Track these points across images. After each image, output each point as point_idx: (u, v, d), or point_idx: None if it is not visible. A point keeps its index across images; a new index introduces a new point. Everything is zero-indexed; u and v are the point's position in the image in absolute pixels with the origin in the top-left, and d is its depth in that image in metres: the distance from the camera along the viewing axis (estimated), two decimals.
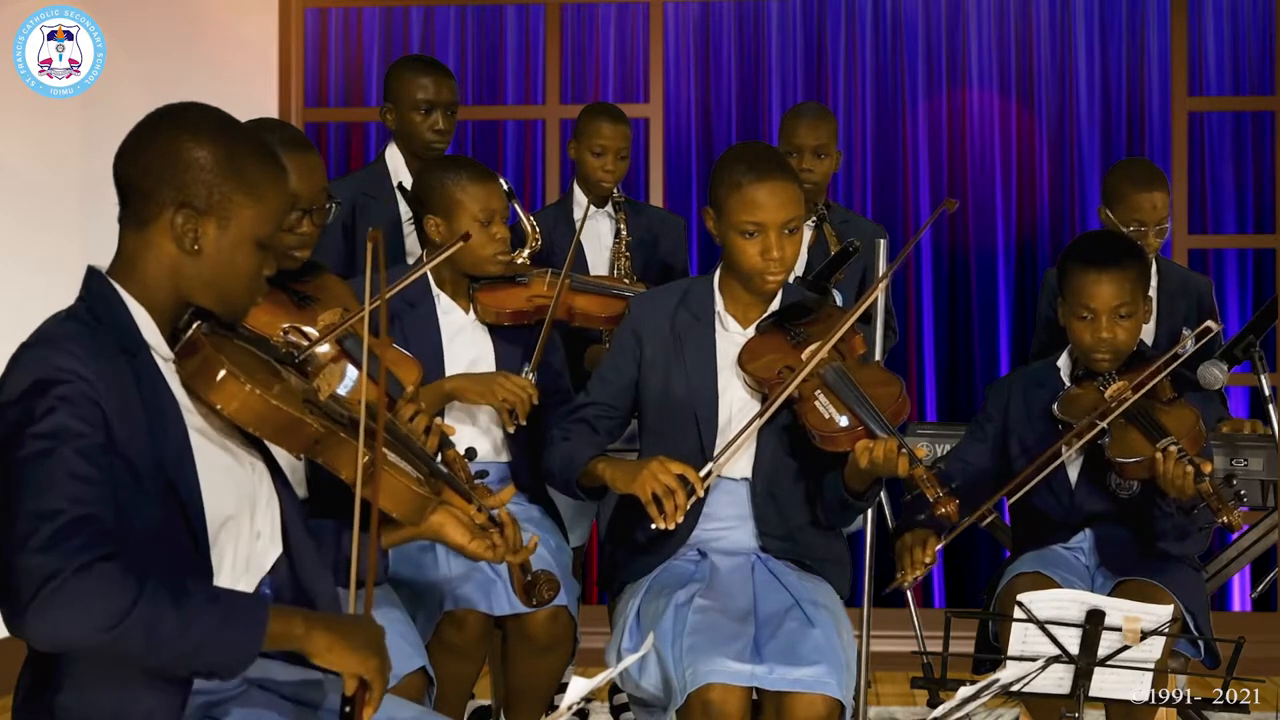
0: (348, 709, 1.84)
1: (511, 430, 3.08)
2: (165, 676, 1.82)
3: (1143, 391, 2.88)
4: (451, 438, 2.77)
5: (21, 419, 1.74)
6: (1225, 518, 2.71)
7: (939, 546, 2.80)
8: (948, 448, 3.58)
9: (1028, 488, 2.86)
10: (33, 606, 1.66)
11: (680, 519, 2.61)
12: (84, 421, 1.74)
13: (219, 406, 1.89)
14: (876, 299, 3.28)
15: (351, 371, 2.71)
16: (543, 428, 3.16)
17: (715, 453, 2.70)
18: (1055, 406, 3.01)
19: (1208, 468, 2.76)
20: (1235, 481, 2.82)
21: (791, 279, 3.02)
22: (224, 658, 1.76)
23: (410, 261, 3.58)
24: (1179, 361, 2.93)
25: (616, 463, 2.73)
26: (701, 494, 2.63)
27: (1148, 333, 3.77)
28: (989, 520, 2.93)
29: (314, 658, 1.82)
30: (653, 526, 2.61)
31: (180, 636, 1.71)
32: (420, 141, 3.84)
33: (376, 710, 1.86)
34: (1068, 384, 3.09)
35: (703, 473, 2.66)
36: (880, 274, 3.42)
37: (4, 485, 1.74)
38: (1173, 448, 2.78)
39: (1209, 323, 2.97)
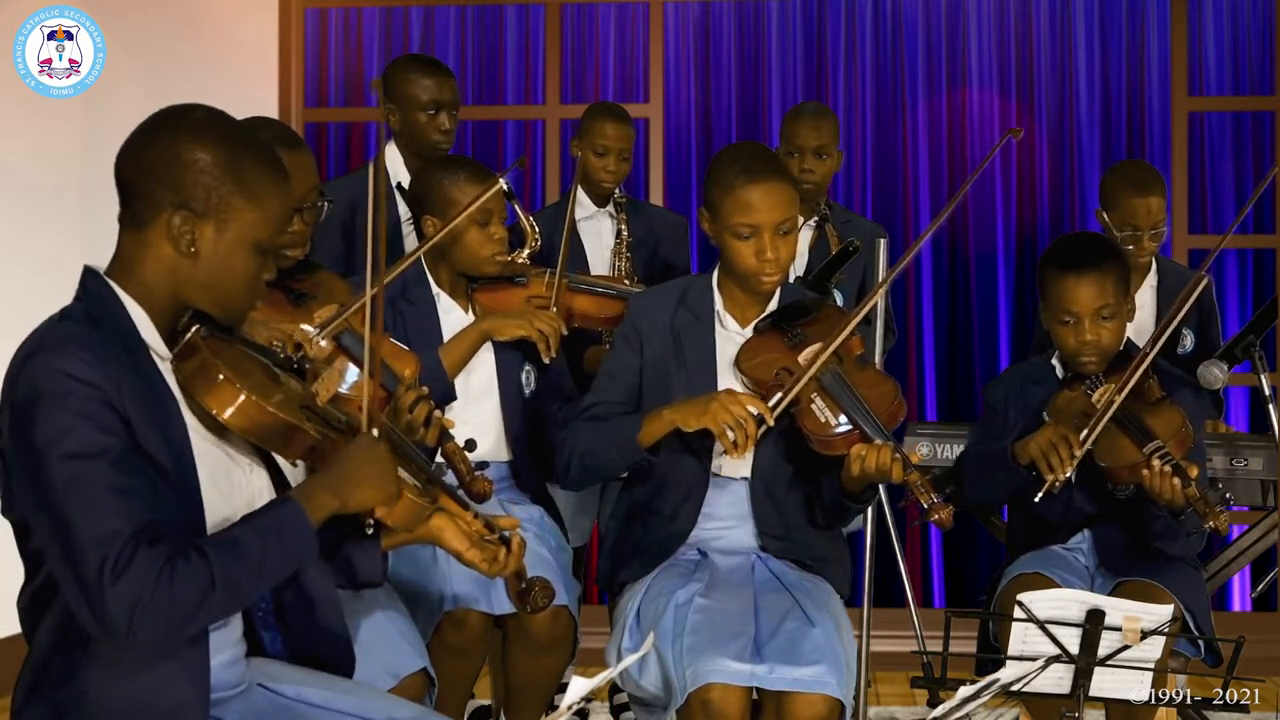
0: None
1: (547, 361, 3.12)
2: (192, 665, 1.87)
3: (1126, 392, 2.87)
4: (451, 430, 2.77)
5: (43, 439, 1.74)
6: (1212, 523, 2.71)
7: (1083, 436, 2.79)
8: (948, 448, 3.58)
9: (1039, 495, 2.84)
10: (132, 631, 1.72)
11: (751, 449, 2.63)
12: (106, 432, 1.75)
13: (214, 412, 1.88)
14: (876, 299, 3.27)
15: (352, 370, 2.71)
16: (545, 426, 3.17)
17: (772, 403, 2.67)
18: (1045, 413, 3.01)
19: (1194, 472, 2.76)
20: (1221, 485, 2.82)
21: (792, 278, 3.02)
22: (293, 567, 1.91)
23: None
24: (1151, 358, 2.92)
25: (679, 404, 2.71)
26: (772, 423, 2.64)
27: (1148, 333, 3.77)
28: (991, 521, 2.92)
29: (348, 512, 1.96)
30: (724, 456, 2.66)
31: (257, 579, 1.83)
32: (427, 142, 3.83)
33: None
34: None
35: (771, 404, 2.65)
36: (881, 273, 3.41)
37: (46, 507, 1.75)
38: (1157, 461, 2.77)
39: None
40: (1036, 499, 2.82)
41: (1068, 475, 2.79)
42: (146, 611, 1.71)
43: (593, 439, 2.82)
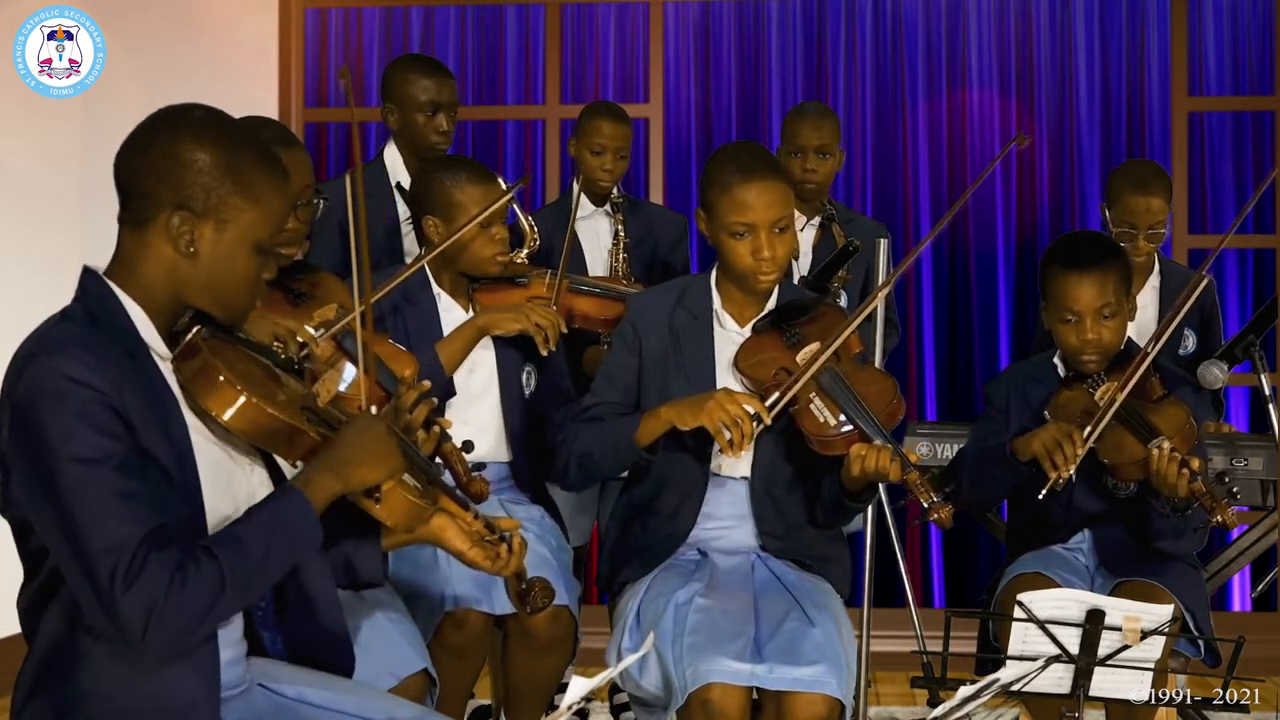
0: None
1: (545, 354, 3.11)
2: (202, 661, 1.87)
3: (1129, 389, 2.87)
4: (449, 431, 2.77)
5: (48, 442, 1.74)
6: (1219, 516, 2.70)
7: (1086, 434, 2.79)
8: (948, 447, 3.57)
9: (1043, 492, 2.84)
10: (147, 638, 1.74)
11: (748, 448, 2.63)
12: (110, 436, 1.76)
13: (215, 413, 1.88)
14: (876, 302, 3.27)
15: (350, 370, 2.71)
16: (545, 428, 3.16)
17: (769, 402, 2.67)
18: (1046, 411, 3.01)
19: (1197, 464, 2.75)
20: (1228, 479, 2.81)
21: (796, 279, 3.01)
22: (300, 557, 1.93)
23: (408, 262, 3.58)
24: (1155, 352, 2.91)
25: (676, 402, 2.71)
26: (769, 422, 2.64)
27: (1149, 334, 3.77)
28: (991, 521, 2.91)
29: (351, 491, 1.97)
30: (720, 454, 2.65)
31: (263, 572, 1.84)
32: (425, 143, 3.83)
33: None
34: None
35: (768, 403, 2.65)
36: (883, 273, 3.41)
37: (53, 510, 1.75)
38: (1165, 447, 2.77)
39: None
40: (1040, 496, 2.82)
41: (1071, 473, 2.79)
42: (161, 618, 1.73)
43: (591, 440, 2.83)
